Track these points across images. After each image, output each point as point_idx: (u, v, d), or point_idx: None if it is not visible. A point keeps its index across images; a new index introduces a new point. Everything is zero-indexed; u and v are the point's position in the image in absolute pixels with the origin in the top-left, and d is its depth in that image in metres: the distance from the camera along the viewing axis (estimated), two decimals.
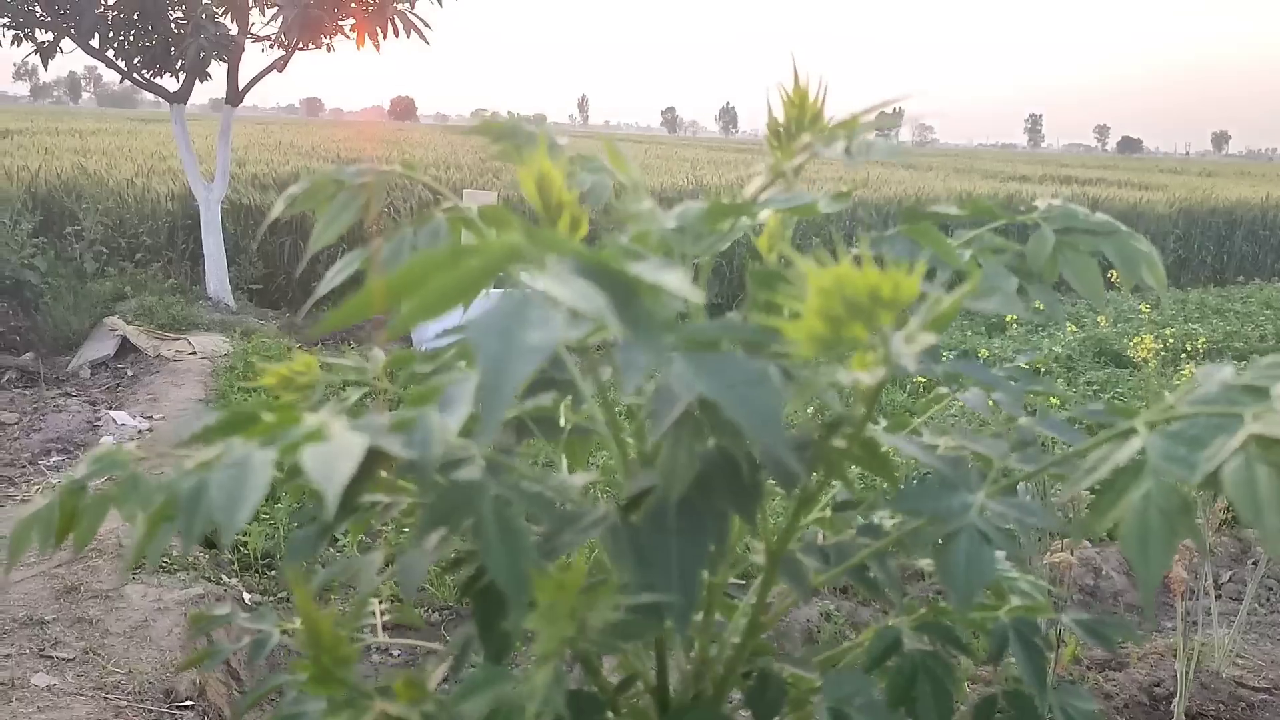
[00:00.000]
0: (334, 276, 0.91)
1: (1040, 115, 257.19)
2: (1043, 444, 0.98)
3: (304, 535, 0.76)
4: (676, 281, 0.47)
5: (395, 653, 3.63)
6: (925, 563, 0.98)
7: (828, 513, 0.98)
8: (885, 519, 0.94)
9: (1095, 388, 7.57)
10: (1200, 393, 0.67)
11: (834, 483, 0.90)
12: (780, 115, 1.07)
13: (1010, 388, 0.89)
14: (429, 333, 8.19)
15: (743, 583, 1.05)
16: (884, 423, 1.06)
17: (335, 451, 0.54)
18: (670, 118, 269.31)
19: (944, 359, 0.88)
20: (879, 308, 0.63)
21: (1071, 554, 4.36)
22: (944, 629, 0.88)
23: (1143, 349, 5.85)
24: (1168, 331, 7.37)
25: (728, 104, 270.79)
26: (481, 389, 0.40)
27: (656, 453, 0.68)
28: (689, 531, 0.68)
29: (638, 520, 0.70)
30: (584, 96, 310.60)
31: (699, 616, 0.79)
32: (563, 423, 0.94)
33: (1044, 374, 8.07)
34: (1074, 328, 7.96)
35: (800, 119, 0.95)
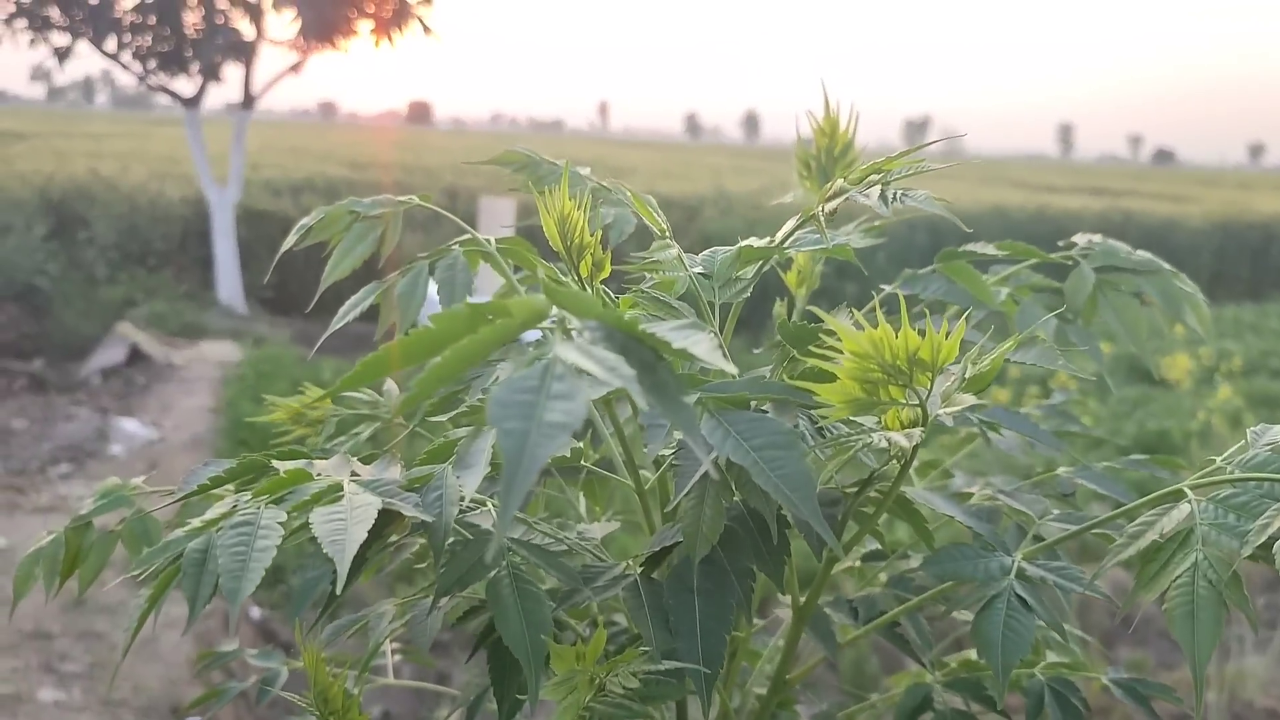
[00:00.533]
0: (349, 311, 0.90)
1: (1072, 125, 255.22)
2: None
3: (310, 581, 0.73)
4: (704, 349, 0.45)
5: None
6: (964, 614, 0.96)
7: (857, 563, 0.95)
8: (916, 568, 0.91)
9: (1127, 407, 7.49)
10: (1250, 456, 0.64)
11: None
12: (810, 142, 1.05)
13: (1048, 437, 0.86)
14: None
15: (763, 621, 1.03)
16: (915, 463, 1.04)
17: (347, 517, 0.52)
18: (692, 123, 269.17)
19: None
20: (918, 371, 0.60)
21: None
22: (976, 686, 0.85)
23: (1176, 369, 5.75)
24: (1202, 351, 7.29)
25: (751, 110, 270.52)
26: (504, 471, 0.38)
27: (680, 507, 0.66)
28: (713, 591, 0.65)
29: (660, 578, 0.67)
30: (604, 102, 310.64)
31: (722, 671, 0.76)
32: (582, 461, 0.92)
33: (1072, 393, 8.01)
34: (1106, 345, 7.91)
35: (830, 149, 0.92)
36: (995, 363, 0.65)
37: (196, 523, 0.55)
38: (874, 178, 0.78)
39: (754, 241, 0.82)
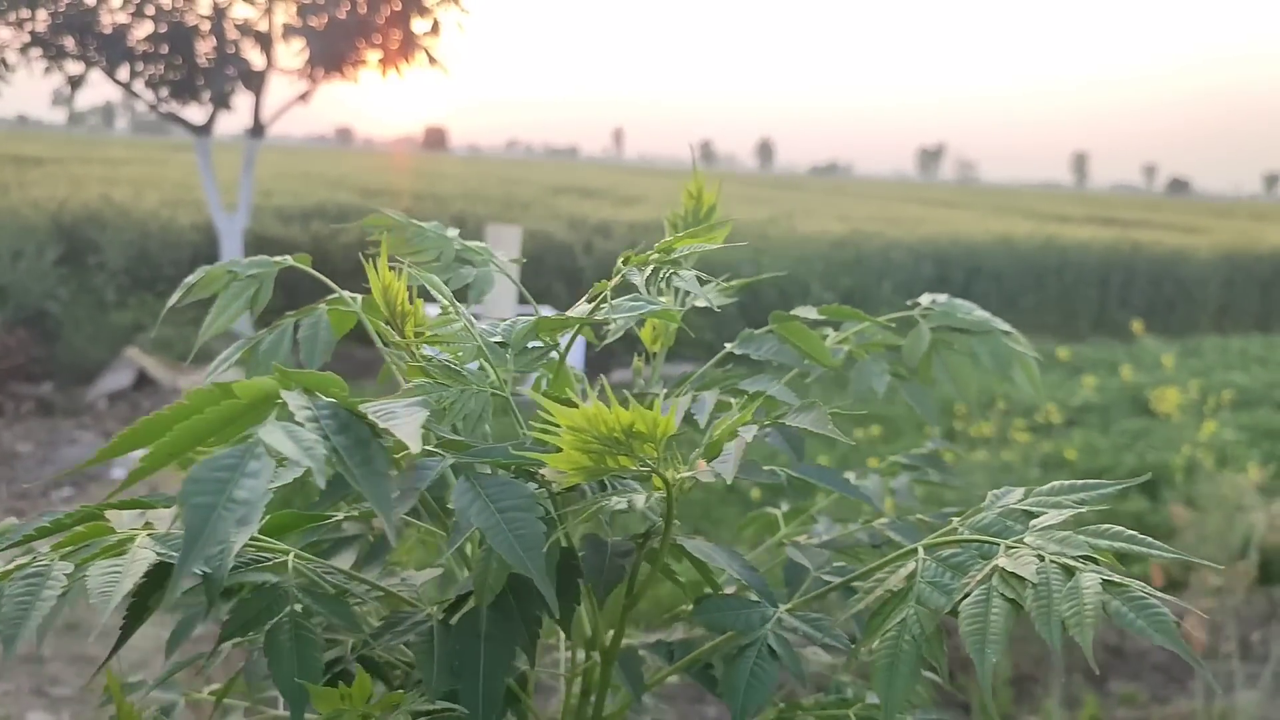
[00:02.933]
0: (218, 367, 0.96)
1: (1086, 154, 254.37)
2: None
3: (184, 622, 0.79)
4: (404, 430, 0.51)
5: None
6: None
7: (688, 606, 1.00)
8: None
9: (1128, 439, 7.49)
10: (981, 517, 0.70)
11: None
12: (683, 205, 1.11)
13: (856, 491, 0.90)
14: None
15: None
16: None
17: (122, 571, 0.57)
18: (706, 151, 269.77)
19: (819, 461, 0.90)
20: (638, 441, 0.65)
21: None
22: None
23: (1166, 403, 5.78)
24: (1193, 384, 7.30)
25: (765, 138, 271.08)
26: (184, 541, 0.44)
27: (471, 557, 0.71)
28: (499, 637, 0.71)
29: (453, 624, 0.73)
30: (619, 129, 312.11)
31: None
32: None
33: (1074, 425, 8.02)
34: (1091, 380, 7.91)
35: (696, 210, 0.98)
36: (728, 429, 0.71)
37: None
38: (655, 258, 0.83)
39: (559, 311, 0.87)
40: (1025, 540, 0.65)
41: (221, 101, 8.90)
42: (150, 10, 8.42)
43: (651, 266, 0.83)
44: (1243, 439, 7.47)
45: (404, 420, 0.52)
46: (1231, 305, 14.73)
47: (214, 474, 0.45)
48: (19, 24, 8.06)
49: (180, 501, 0.45)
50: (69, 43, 8.36)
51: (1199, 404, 7.35)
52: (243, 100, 9.01)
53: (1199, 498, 4.57)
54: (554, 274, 10.61)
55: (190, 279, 1.05)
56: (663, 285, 0.84)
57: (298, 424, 0.50)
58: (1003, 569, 0.62)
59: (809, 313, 1.01)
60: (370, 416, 0.51)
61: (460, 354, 0.78)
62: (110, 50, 8.37)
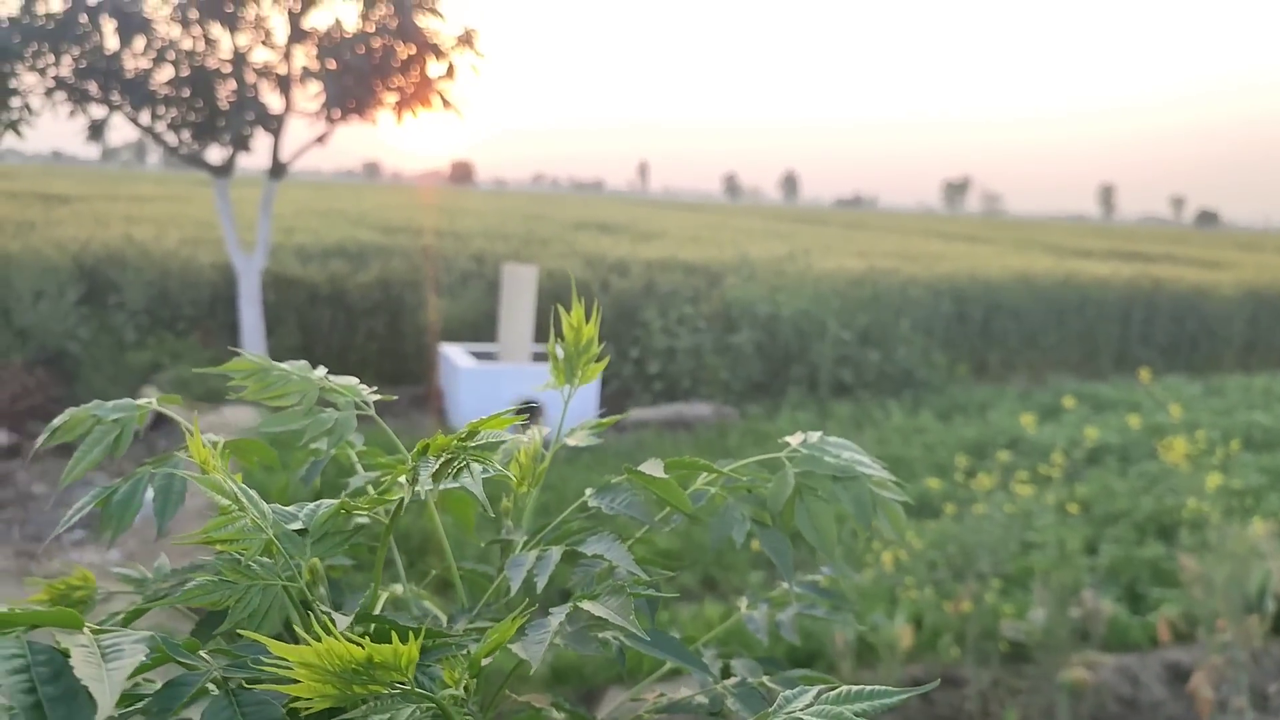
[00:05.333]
0: (74, 515, 0.97)
1: (1113, 186, 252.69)
2: None
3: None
4: (104, 690, 0.53)
5: None
6: None
7: None
8: None
9: (1145, 482, 7.43)
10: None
11: None
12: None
13: (697, 662, 0.91)
14: (463, 402, 8.29)
15: None
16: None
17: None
18: (731, 184, 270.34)
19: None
20: (383, 670, 0.65)
21: (1088, 669, 4.25)
22: None
23: (1173, 453, 5.74)
24: (1199, 434, 7.25)
25: (790, 171, 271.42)
26: None
27: None
28: None
29: None
30: (644, 162, 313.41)
31: None
32: None
33: (1093, 465, 7.97)
34: (1093, 431, 7.85)
35: (577, 342, 0.98)
36: (503, 630, 0.69)
37: None
38: (447, 455, 0.81)
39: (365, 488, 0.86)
40: None
41: (240, 143, 9.01)
42: (172, 55, 8.55)
43: (446, 456, 0.81)
44: (1264, 482, 7.38)
45: (113, 670, 0.55)
46: (1257, 342, 14.56)
47: None
48: (43, 70, 8.20)
49: None
50: (92, 87, 8.49)
51: (1210, 450, 7.28)
52: (262, 142, 9.12)
53: (1212, 546, 4.52)
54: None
55: (56, 422, 1.07)
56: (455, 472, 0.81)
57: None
58: None
59: (656, 467, 0.98)
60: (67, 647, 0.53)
61: (248, 549, 0.78)
62: (133, 94, 8.50)
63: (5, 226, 12.20)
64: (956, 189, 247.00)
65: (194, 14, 8.53)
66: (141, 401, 1.09)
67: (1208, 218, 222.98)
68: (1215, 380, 12.31)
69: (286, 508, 0.85)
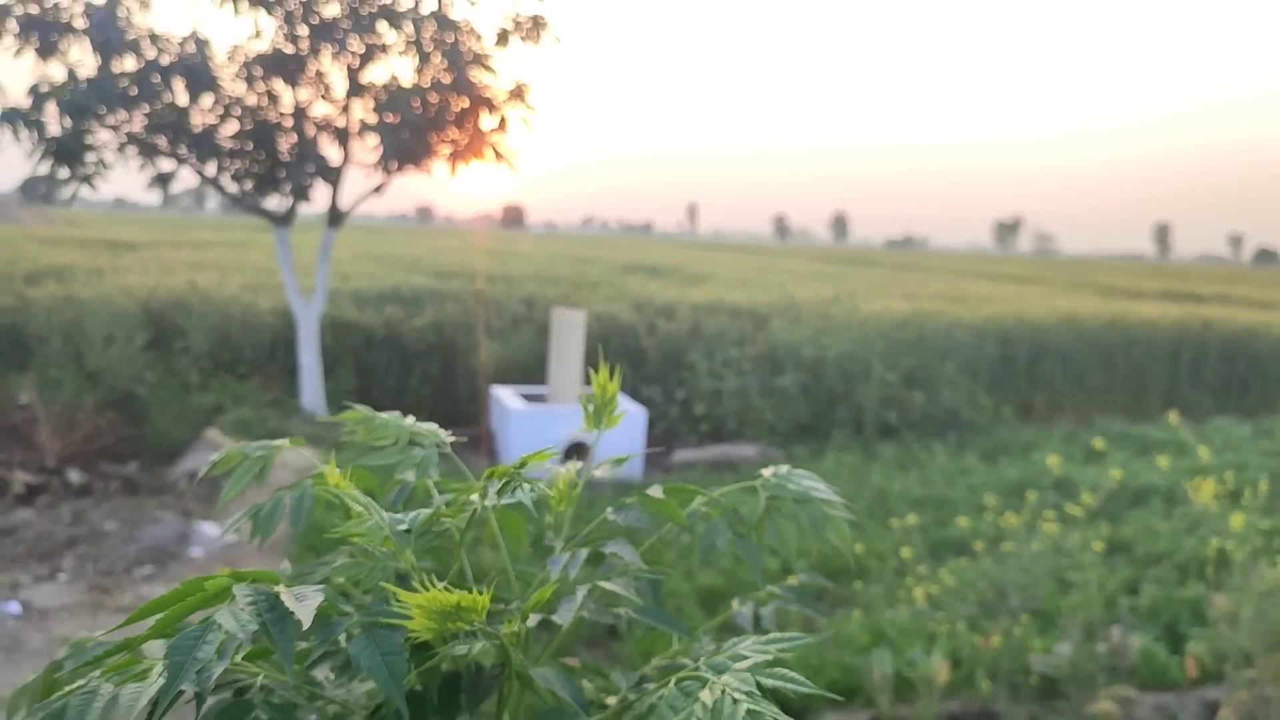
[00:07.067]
0: (232, 525, 1.21)
1: (1169, 225, 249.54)
2: None
3: None
4: (305, 611, 0.76)
5: None
6: None
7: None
8: None
9: (1189, 522, 7.49)
10: (720, 658, 0.94)
11: None
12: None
13: (682, 629, 1.16)
14: (514, 440, 8.53)
15: None
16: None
17: (139, 691, 0.80)
18: (780, 225, 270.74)
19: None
20: (466, 613, 0.90)
21: (1118, 703, 4.36)
22: None
23: (1202, 494, 5.83)
24: (1228, 475, 7.32)
25: (839, 211, 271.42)
26: (165, 684, 0.67)
27: None
28: None
29: None
30: (693, 204, 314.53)
31: None
32: None
33: (1138, 505, 8.05)
34: (1123, 471, 7.92)
35: (604, 396, 1.19)
36: (543, 592, 0.94)
37: (64, 690, 0.82)
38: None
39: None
40: (723, 677, 0.86)
41: (301, 194, 9.38)
42: (237, 110, 8.95)
43: (505, 479, 1.06)
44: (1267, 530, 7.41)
45: (307, 603, 0.77)
46: None
47: (185, 642, 0.70)
48: (117, 127, 8.61)
49: (165, 658, 0.68)
50: (162, 141, 8.90)
51: (1239, 490, 7.32)
52: (321, 192, 9.49)
53: (1243, 585, 4.62)
54: (618, 355, 10.89)
55: (214, 457, 1.33)
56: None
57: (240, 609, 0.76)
58: (701, 698, 0.84)
59: (657, 491, 1.22)
60: (281, 596, 0.76)
61: (373, 542, 1.02)
62: (200, 148, 8.90)
63: (77, 273, 12.69)
64: (1008, 229, 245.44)
65: (258, 71, 8.94)
66: (276, 443, 1.33)
67: (1267, 255, 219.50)
68: (1267, 421, 12.27)
69: (396, 514, 1.09)
